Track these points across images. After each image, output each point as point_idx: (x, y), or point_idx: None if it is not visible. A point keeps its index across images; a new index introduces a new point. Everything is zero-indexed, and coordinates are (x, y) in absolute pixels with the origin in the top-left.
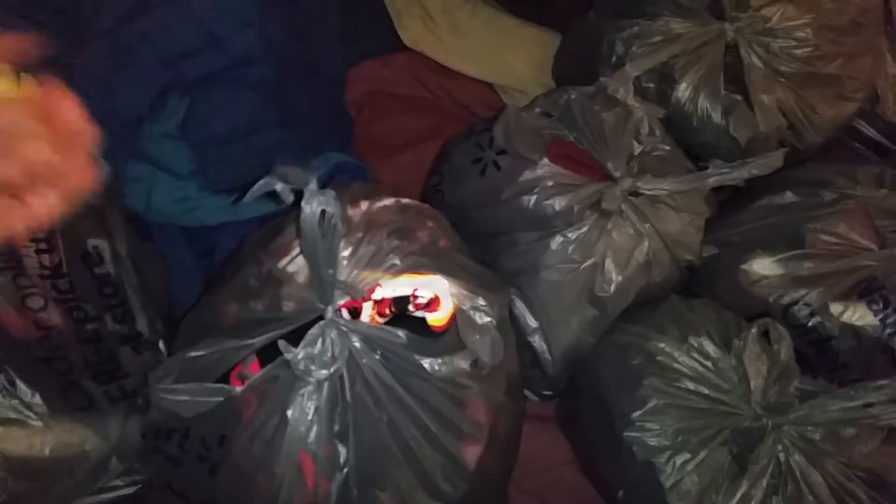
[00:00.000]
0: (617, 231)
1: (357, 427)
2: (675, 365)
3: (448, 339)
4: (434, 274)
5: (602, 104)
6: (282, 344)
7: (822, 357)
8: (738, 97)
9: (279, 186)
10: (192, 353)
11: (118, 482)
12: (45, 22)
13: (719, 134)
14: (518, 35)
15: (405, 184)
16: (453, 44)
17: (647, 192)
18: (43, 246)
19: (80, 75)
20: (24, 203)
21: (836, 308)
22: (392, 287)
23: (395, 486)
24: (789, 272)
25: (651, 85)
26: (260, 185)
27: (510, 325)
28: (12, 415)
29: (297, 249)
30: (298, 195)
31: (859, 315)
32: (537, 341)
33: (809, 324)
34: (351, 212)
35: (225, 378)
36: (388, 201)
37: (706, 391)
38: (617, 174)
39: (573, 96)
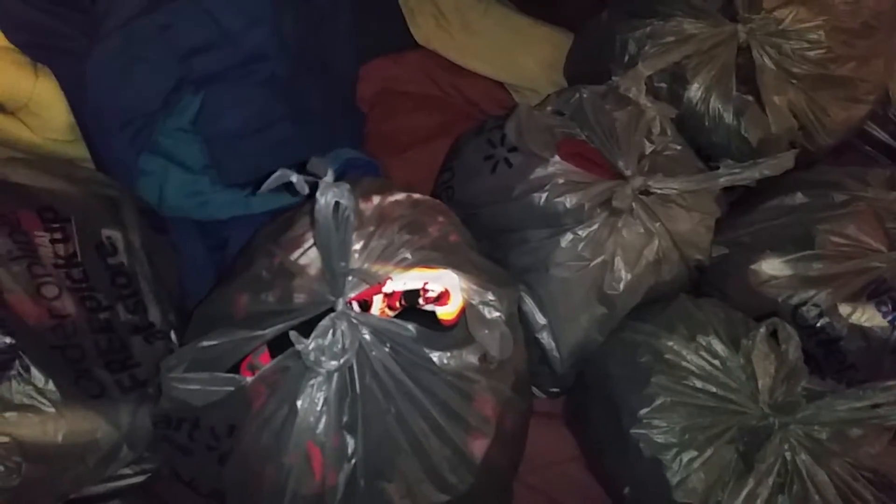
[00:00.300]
0: (627, 229)
1: (366, 418)
2: (684, 363)
3: (457, 333)
4: (444, 268)
5: (614, 103)
6: (293, 335)
7: (831, 358)
8: (750, 98)
9: (294, 177)
10: (204, 343)
11: (128, 470)
12: (62, 15)
13: (731, 134)
14: (530, 34)
15: (416, 181)
16: (465, 42)
17: (658, 192)
18: (58, 235)
19: (94, 69)
20: None
21: (844, 309)
22: (403, 280)
23: (402, 477)
24: (799, 273)
25: (663, 85)
26: (276, 177)
27: (519, 321)
28: (26, 401)
29: (309, 242)
30: (313, 188)
31: (868, 316)
32: (546, 338)
33: (818, 324)
34: (363, 206)
35: (235, 368)
36: (400, 196)
37: (714, 389)
38: (628, 173)
39: (585, 95)
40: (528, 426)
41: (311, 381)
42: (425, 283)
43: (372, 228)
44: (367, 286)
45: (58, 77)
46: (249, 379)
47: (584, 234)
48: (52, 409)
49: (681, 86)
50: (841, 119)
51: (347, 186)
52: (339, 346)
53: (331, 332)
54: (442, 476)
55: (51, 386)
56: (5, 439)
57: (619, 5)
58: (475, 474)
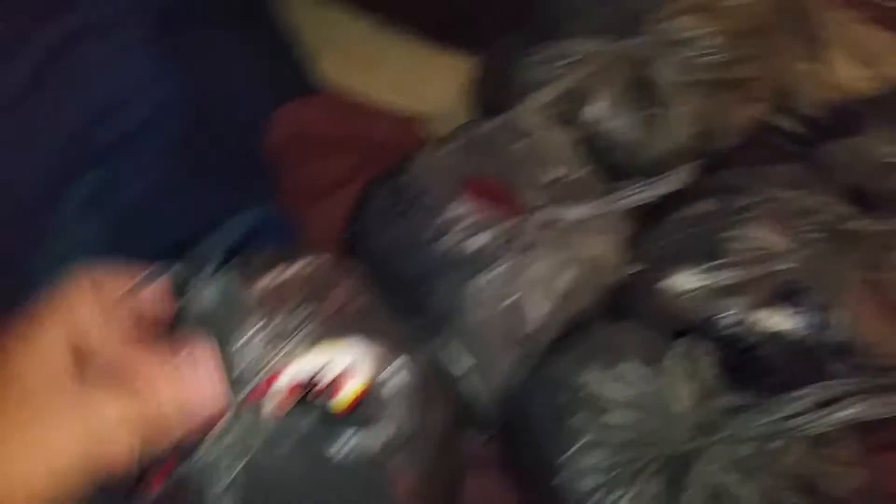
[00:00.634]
0: (537, 264)
1: None
2: (602, 397)
3: (360, 416)
4: (351, 337)
5: (515, 134)
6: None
7: (749, 365)
8: (653, 111)
9: (172, 272)
10: None
11: None
12: None
13: (636, 150)
14: (437, 63)
15: (334, 228)
16: (372, 78)
17: (565, 220)
18: None
19: None
20: None
21: (758, 315)
22: (303, 363)
23: None
24: (710, 284)
25: (565, 107)
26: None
27: (437, 376)
28: None
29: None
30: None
31: (781, 320)
32: (470, 384)
33: (734, 333)
34: (259, 283)
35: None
36: (300, 265)
37: (635, 420)
38: (533, 205)
39: (486, 129)
40: (462, 482)
41: (212, 488)
42: (318, 372)
43: (268, 309)
44: (265, 376)
45: None
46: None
47: (494, 275)
48: None
49: (583, 106)
50: (742, 119)
51: (229, 277)
52: (236, 448)
53: (226, 435)
54: None
55: None
56: None
57: (519, 29)
58: None
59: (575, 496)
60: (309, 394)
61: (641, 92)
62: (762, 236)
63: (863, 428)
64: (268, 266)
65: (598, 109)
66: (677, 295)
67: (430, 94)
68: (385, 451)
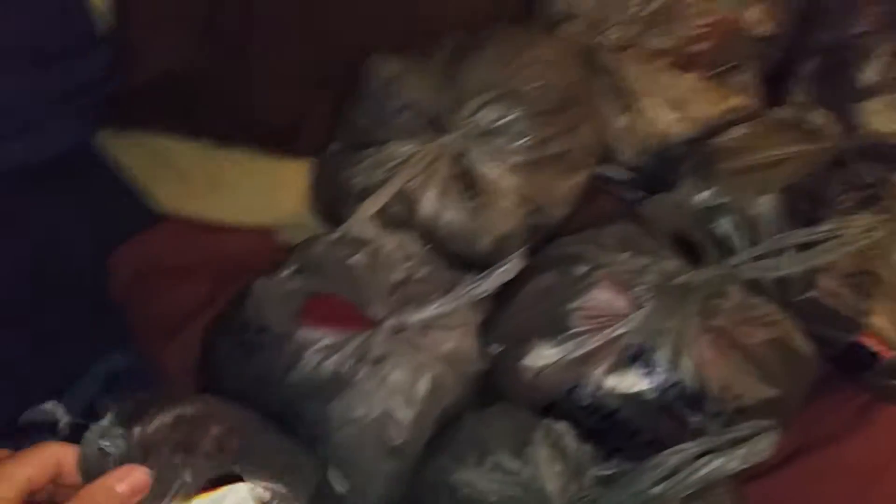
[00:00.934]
0: (394, 373)
1: None
2: (478, 494)
3: None
4: (231, 475)
5: (350, 246)
6: None
7: (615, 430)
8: (480, 200)
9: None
10: None
11: None
12: None
13: (472, 239)
14: (278, 172)
15: (192, 363)
16: (216, 198)
17: (414, 324)
18: None
19: None
20: None
21: (611, 381)
22: None
23: None
24: (564, 356)
25: (395, 209)
26: None
27: (326, 496)
28: None
29: None
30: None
31: (634, 381)
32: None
33: (595, 401)
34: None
35: None
36: (164, 414)
37: None
38: (380, 316)
39: (320, 247)
40: None
41: None
42: None
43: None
44: None
45: None
46: None
47: (353, 393)
48: None
49: (411, 207)
50: (566, 190)
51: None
52: None
53: None
54: None
55: None
56: None
57: (340, 137)
58: None
59: None
60: None
61: (466, 183)
62: (604, 302)
63: None
64: (134, 416)
65: (429, 207)
66: (537, 371)
67: (276, 204)
68: None
